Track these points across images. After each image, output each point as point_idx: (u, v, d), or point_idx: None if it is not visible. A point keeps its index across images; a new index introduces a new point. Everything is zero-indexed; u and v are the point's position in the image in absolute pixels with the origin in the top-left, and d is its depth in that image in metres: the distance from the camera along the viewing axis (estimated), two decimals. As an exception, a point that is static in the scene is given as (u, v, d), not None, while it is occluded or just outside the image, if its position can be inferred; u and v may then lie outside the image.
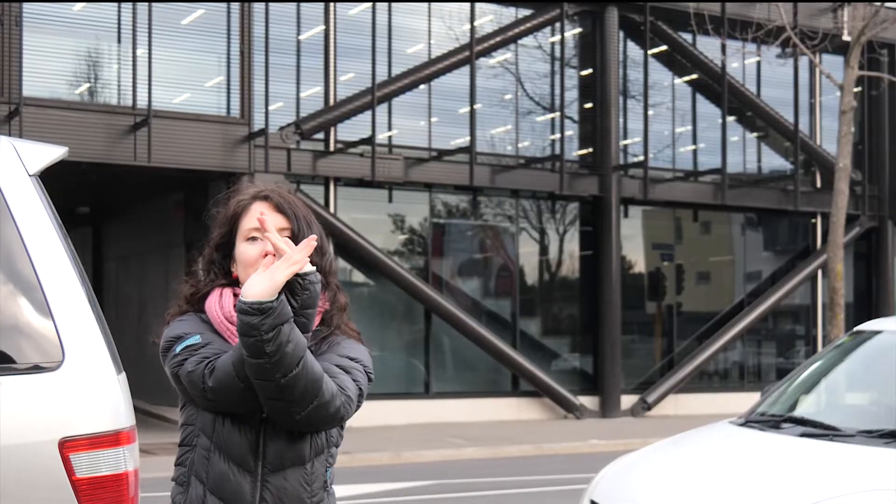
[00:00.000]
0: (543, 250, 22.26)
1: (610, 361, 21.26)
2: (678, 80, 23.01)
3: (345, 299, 2.99)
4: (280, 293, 2.66)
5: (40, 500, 3.27)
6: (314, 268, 2.74)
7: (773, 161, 24.80)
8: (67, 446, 3.29)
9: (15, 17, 16.14)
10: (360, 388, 2.87)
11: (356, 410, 2.87)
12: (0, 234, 3.40)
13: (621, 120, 21.97)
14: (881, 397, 6.35)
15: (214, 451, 2.81)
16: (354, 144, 19.19)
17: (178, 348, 2.82)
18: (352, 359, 2.89)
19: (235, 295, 2.88)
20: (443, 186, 20.54)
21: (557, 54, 21.71)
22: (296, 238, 2.86)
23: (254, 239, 2.87)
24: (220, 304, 2.87)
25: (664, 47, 22.48)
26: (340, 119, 19.12)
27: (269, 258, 2.81)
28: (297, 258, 2.68)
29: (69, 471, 3.29)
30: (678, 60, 22.80)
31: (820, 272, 23.54)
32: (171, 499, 2.91)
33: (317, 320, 2.88)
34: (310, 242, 2.71)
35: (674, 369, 22.23)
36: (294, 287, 2.67)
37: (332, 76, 19.29)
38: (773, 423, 6.23)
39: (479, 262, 21.67)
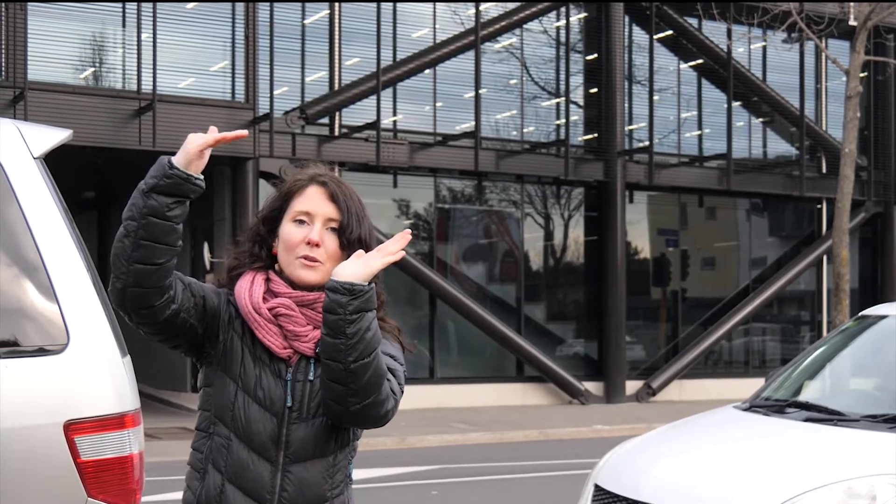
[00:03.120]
0: (548, 235, 22.25)
1: (615, 347, 21.27)
2: (684, 65, 22.96)
3: (383, 297, 2.95)
4: (371, 282, 2.69)
5: (45, 483, 3.28)
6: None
7: (779, 146, 24.75)
8: (72, 429, 3.30)
9: (20, 3, 16.13)
10: (402, 390, 2.87)
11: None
12: (5, 217, 3.40)
13: (626, 105, 21.93)
14: (885, 382, 6.35)
15: (234, 439, 2.78)
16: (359, 129, 19.16)
17: None
18: (391, 356, 2.87)
19: (267, 280, 2.86)
20: (448, 171, 20.52)
21: (563, 39, 21.65)
22: (343, 230, 2.84)
23: (301, 222, 2.83)
24: (249, 293, 2.81)
25: (670, 32, 22.42)
26: (345, 104, 19.09)
27: (310, 247, 2.80)
28: (392, 249, 2.72)
29: (74, 453, 3.29)
30: (684, 45, 22.74)
31: (825, 258, 23.51)
32: (186, 483, 2.87)
33: None
34: (405, 235, 2.73)
35: (679, 355, 22.23)
36: (159, 168, 2.63)
37: (336, 61, 19.26)
38: (777, 407, 6.23)
39: (484, 248, 21.67)
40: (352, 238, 2.84)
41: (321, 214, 2.83)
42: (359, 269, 2.68)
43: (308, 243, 2.81)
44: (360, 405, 2.70)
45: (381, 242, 2.80)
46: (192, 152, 2.64)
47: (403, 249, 2.78)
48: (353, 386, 2.67)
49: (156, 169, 2.64)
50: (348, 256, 2.80)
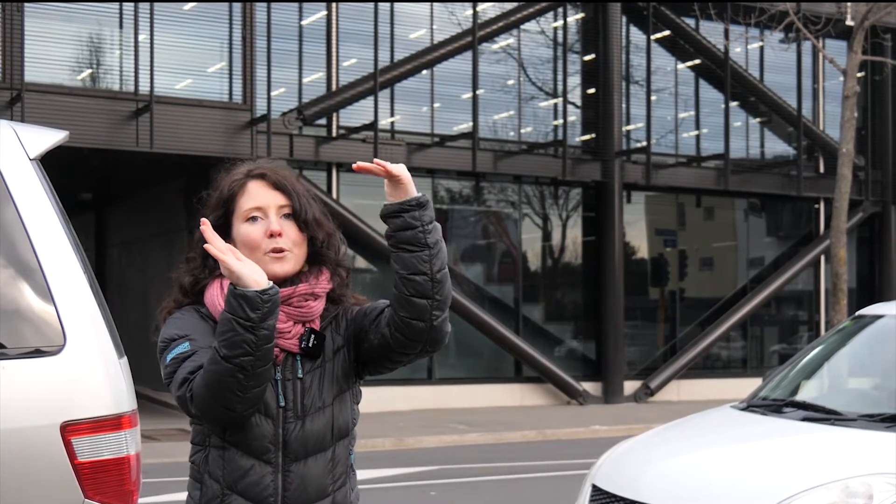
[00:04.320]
0: (546, 236, 22.25)
1: (613, 347, 21.27)
2: (681, 66, 22.97)
3: (346, 273, 2.94)
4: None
5: (42, 484, 3.28)
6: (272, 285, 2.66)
7: (776, 146, 24.76)
8: (69, 430, 3.29)
9: (17, 4, 16.12)
10: None
11: None
12: (1, 218, 3.40)
13: (624, 105, 21.94)
14: (883, 381, 6.35)
15: (230, 447, 2.76)
16: (357, 130, 19.16)
17: (168, 357, 2.76)
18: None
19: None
20: (445, 172, 20.52)
21: (560, 39, 21.66)
22: (297, 214, 2.83)
23: (254, 219, 2.82)
24: (221, 297, 2.78)
25: (667, 32, 22.43)
26: (343, 105, 19.09)
27: (274, 238, 2.78)
28: (394, 169, 2.83)
29: (71, 454, 3.29)
30: (681, 45, 22.75)
31: (823, 258, 23.53)
32: (188, 492, 2.87)
33: (322, 301, 2.86)
34: (392, 166, 2.81)
35: (677, 355, 22.24)
36: (255, 301, 2.60)
37: (334, 62, 19.27)
38: (775, 407, 6.23)
39: (482, 248, 21.67)
40: (308, 218, 2.84)
41: (272, 205, 2.83)
42: (406, 187, 2.80)
43: (270, 235, 2.79)
44: (441, 317, 2.75)
45: (346, 230, 2.82)
46: (239, 267, 2.62)
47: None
48: (439, 296, 2.73)
49: (247, 303, 2.59)
50: (309, 239, 2.83)
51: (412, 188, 2.78)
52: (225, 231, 2.85)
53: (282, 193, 2.84)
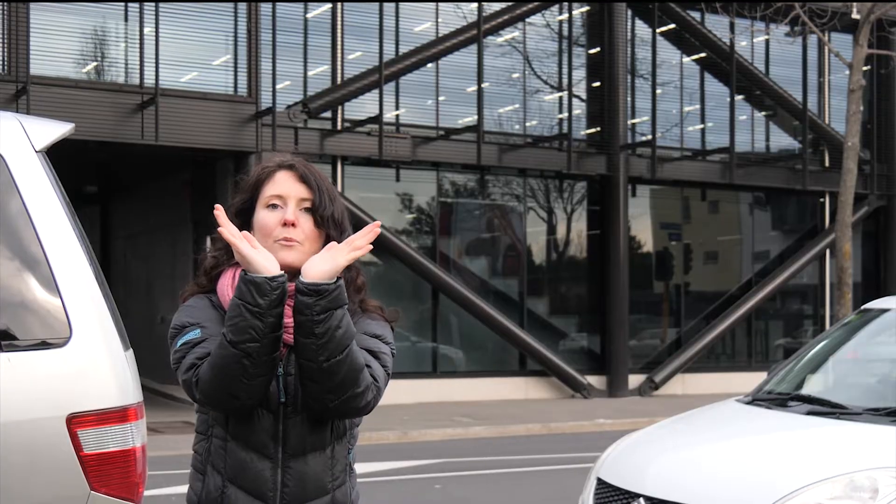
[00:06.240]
0: (551, 229, 22.25)
1: (617, 341, 21.27)
2: (686, 59, 22.93)
3: (362, 280, 2.95)
4: (339, 277, 2.68)
5: (48, 476, 3.28)
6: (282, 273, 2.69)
7: (782, 140, 24.73)
8: (75, 422, 3.30)
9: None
10: (388, 373, 2.87)
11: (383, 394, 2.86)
12: (7, 210, 3.41)
13: (629, 99, 21.91)
14: (888, 376, 6.35)
15: (231, 440, 2.78)
16: (362, 123, 19.16)
17: (179, 342, 2.78)
18: (377, 336, 2.88)
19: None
20: (450, 165, 20.51)
21: (565, 33, 21.64)
22: (316, 209, 2.85)
23: (274, 206, 2.85)
24: (231, 287, 2.81)
25: (672, 25, 22.40)
26: (348, 98, 19.08)
27: (287, 228, 2.80)
28: (360, 243, 2.70)
29: (77, 446, 3.30)
30: (686, 39, 22.72)
31: (828, 251, 23.49)
32: (189, 483, 2.88)
33: None
34: (374, 229, 2.71)
35: (681, 349, 22.23)
36: (264, 288, 2.64)
37: (339, 55, 19.25)
38: (780, 401, 6.23)
39: (487, 242, 21.66)
40: (325, 215, 2.84)
41: (293, 196, 2.85)
42: (325, 266, 2.68)
43: (284, 224, 2.81)
44: (338, 401, 2.72)
45: (354, 223, 2.80)
46: (252, 253, 2.67)
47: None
48: (329, 384, 2.68)
49: (256, 289, 2.63)
50: (324, 235, 2.82)
51: (325, 269, 2.67)
52: (249, 216, 2.90)
53: (306, 186, 2.86)
